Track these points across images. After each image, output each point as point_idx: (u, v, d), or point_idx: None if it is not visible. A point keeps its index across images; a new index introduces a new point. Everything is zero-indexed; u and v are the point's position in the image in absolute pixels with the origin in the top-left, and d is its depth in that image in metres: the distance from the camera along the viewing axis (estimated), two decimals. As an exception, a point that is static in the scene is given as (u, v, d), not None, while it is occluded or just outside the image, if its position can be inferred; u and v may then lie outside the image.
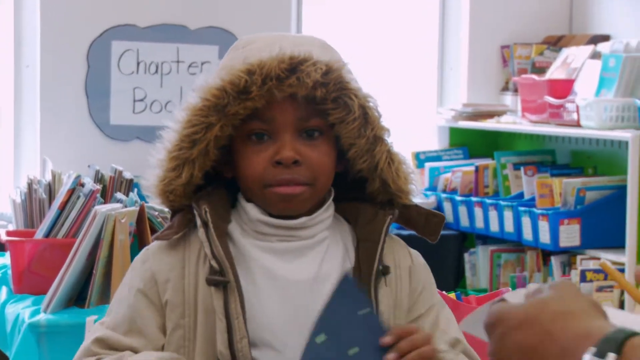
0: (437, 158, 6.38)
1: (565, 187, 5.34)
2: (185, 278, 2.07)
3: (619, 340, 1.22)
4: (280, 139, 2.03)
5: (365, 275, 2.08)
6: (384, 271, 2.09)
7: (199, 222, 2.06)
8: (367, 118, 2.06)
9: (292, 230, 2.08)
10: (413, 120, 6.54)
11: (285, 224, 2.07)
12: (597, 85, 5.41)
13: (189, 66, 6.01)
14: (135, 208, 4.12)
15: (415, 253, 2.22)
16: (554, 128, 5.57)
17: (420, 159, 6.34)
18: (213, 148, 2.03)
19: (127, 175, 4.59)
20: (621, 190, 5.11)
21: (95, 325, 2.13)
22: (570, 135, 5.62)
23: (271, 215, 2.07)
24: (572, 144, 5.89)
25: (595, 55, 5.63)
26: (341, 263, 2.10)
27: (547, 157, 5.95)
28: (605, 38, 5.93)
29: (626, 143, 4.96)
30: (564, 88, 5.58)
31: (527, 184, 5.68)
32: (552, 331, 1.28)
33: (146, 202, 4.43)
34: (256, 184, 2.05)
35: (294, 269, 2.07)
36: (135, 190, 4.61)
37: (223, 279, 2.02)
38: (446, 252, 6.00)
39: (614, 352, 1.20)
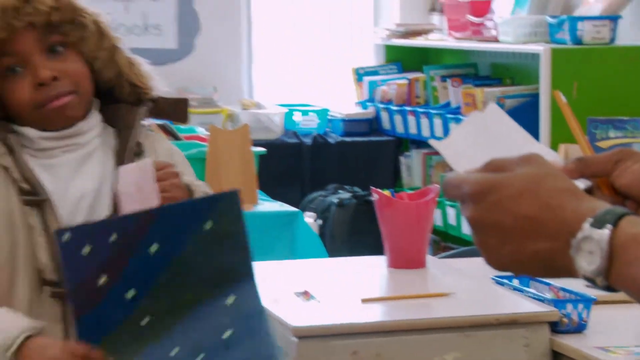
0: (375, 73, 6.33)
1: (486, 96, 5.28)
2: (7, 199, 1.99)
3: (616, 215, 1.15)
4: (32, 64, 1.97)
5: (120, 155, 2.06)
6: (137, 151, 2.07)
7: (2, 149, 2.00)
8: (102, 32, 2.03)
9: (72, 138, 2.04)
10: (352, 39, 6.54)
11: (64, 133, 2.02)
12: (513, 5, 5.41)
13: None
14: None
15: (170, 142, 2.24)
16: (475, 44, 5.60)
17: (360, 74, 6.34)
18: None
19: None
20: (535, 97, 5.08)
21: None
22: (490, 49, 5.57)
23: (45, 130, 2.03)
24: (491, 57, 5.83)
25: None
26: (113, 167, 2.06)
27: (470, 70, 5.91)
28: None
29: (538, 55, 4.91)
30: (483, 8, 5.57)
31: (454, 94, 5.64)
32: (552, 204, 1.19)
33: None
34: (28, 108, 2.00)
35: (82, 182, 2.03)
36: None
37: (41, 198, 1.98)
38: (384, 155, 6.09)
39: (611, 224, 1.14)
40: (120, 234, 1.72)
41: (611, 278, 1.15)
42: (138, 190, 1.96)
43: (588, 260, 1.15)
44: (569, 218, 1.17)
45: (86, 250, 1.72)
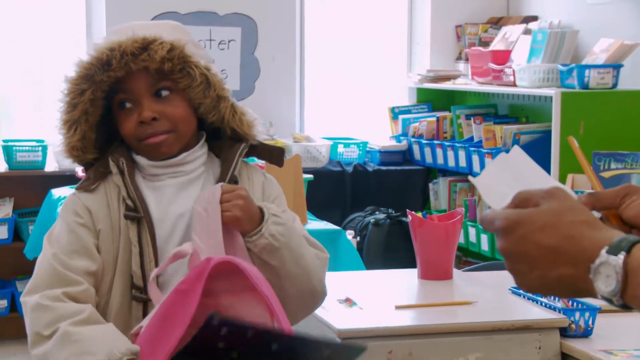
0: (408, 111, 6.31)
1: (504, 132, 5.30)
2: (111, 214, 2.03)
3: (630, 243, 1.14)
4: (140, 104, 2.00)
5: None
6: (234, 181, 2.06)
7: (115, 170, 2.03)
8: (209, 83, 2.01)
9: (176, 167, 2.05)
10: (389, 83, 6.51)
11: (169, 162, 2.04)
12: (529, 54, 5.40)
13: (219, 43, 6.02)
14: None
15: (270, 176, 2.19)
16: (495, 87, 5.55)
17: (395, 112, 6.33)
18: (91, 109, 2.00)
19: None
20: (547, 134, 5.05)
21: (47, 245, 2.04)
22: (508, 92, 5.55)
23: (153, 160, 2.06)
24: (509, 99, 5.85)
25: (527, 32, 5.62)
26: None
27: (491, 110, 5.90)
28: (534, 18, 5.91)
29: (551, 98, 4.91)
30: (503, 57, 5.56)
31: (476, 130, 5.61)
32: (573, 235, 1.18)
33: None
34: (133, 141, 2.03)
35: (182, 203, 2.04)
36: None
37: (137, 214, 2.01)
38: (415, 183, 6.05)
39: (624, 251, 1.13)
40: (254, 337, 1.59)
41: (626, 297, 1.14)
42: (205, 210, 1.95)
43: (605, 283, 1.14)
44: (587, 247, 1.15)
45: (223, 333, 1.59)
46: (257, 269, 1.92)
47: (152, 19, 5.87)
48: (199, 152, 2.08)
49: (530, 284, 1.21)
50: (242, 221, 1.94)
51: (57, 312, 1.91)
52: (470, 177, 1.36)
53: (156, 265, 1.98)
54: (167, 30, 2.05)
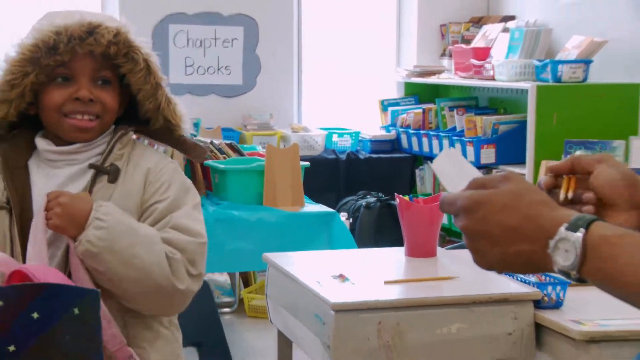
0: (396, 104, 6.31)
1: (484, 122, 5.33)
2: None
3: (587, 221, 1.13)
4: (79, 82, 1.87)
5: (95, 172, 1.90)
6: (112, 170, 1.90)
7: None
8: (149, 69, 1.91)
9: (73, 154, 1.90)
10: (379, 78, 6.50)
11: (67, 149, 1.90)
12: (507, 51, 5.40)
13: (223, 42, 6.05)
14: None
15: (165, 162, 1.97)
16: (476, 81, 5.54)
17: (384, 105, 6.32)
18: (29, 91, 1.86)
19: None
20: (523, 124, 5.06)
21: None
22: (488, 86, 5.54)
23: (57, 145, 1.91)
24: (489, 92, 5.83)
25: (505, 30, 5.63)
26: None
27: (472, 102, 5.88)
28: (512, 18, 5.92)
29: (526, 90, 4.91)
30: (483, 53, 5.57)
31: (458, 120, 5.62)
32: (532, 214, 1.17)
33: (196, 136, 4.74)
34: (56, 113, 1.87)
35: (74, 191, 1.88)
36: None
37: (8, 205, 1.86)
38: (403, 169, 6.07)
39: (583, 228, 1.12)
40: (5, 301, 1.59)
41: (584, 271, 1.13)
42: (40, 214, 1.80)
43: (564, 258, 1.13)
44: (545, 224, 1.14)
45: None
46: (83, 272, 1.78)
47: (162, 20, 5.92)
48: (98, 143, 1.92)
49: (490, 260, 1.19)
50: (63, 228, 1.78)
51: None
52: (429, 162, 1.36)
53: (24, 261, 1.79)
54: (110, 18, 1.94)
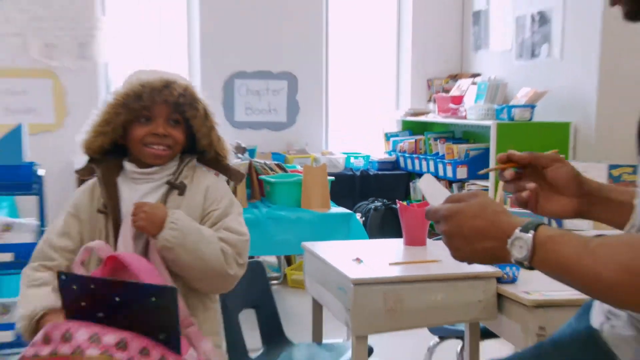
0: (396, 135, 6.27)
1: (459, 149, 5.36)
2: (91, 209, 1.87)
3: (535, 224, 1.12)
4: (156, 122, 1.84)
5: (170, 188, 1.87)
6: (181, 186, 1.87)
7: (97, 177, 1.88)
8: (207, 116, 1.87)
9: (149, 175, 1.87)
10: (384, 116, 6.50)
11: (147, 170, 1.87)
12: (475, 98, 5.40)
13: (273, 91, 6.02)
14: (247, 161, 4.28)
15: (218, 182, 1.93)
16: (453, 120, 5.53)
17: (388, 136, 6.30)
18: (119, 127, 1.84)
19: (243, 145, 4.72)
20: (486, 150, 5.08)
21: (48, 228, 1.92)
22: (461, 123, 5.50)
23: (140, 168, 1.88)
24: (462, 127, 5.84)
25: (474, 83, 5.64)
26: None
27: (450, 134, 5.92)
28: (478, 74, 5.94)
29: (489, 127, 4.89)
30: (458, 100, 5.59)
31: (440, 148, 5.64)
32: (495, 220, 1.15)
33: (253, 158, 4.74)
34: (139, 143, 1.84)
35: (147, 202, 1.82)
36: (247, 152, 4.70)
37: (105, 210, 1.85)
38: (401, 182, 6.00)
39: (533, 230, 1.11)
40: (98, 287, 1.55)
41: (533, 262, 1.12)
42: (128, 217, 1.79)
43: (519, 252, 1.12)
44: (505, 228, 1.14)
45: (76, 288, 1.56)
46: (159, 261, 1.75)
47: (230, 76, 5.89)
48: (168, 167, 1.88)
49: (464, 255, 1.18)
50: (145, 228, 1.76)
51: (28, 277, 1.82)
52: (415, 182, 1.35)
53: (114, 244, 1.79)
54: (181, 77, 1.90)
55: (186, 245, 1.76)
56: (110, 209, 1.83)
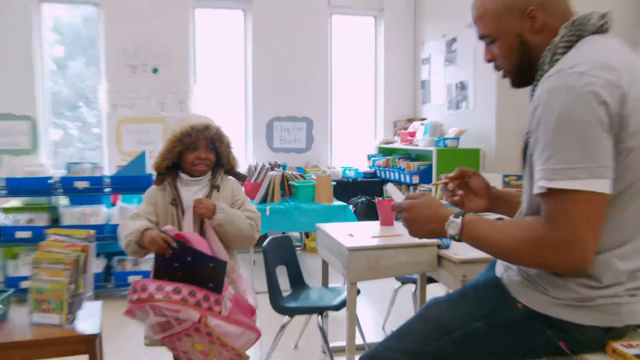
0: (375, 156, 6.10)
1: (414, 165, 5.17)
2: (164, 201, 1.80)
3: (462, 213, 1.08)
4: (200, 150, 1.80)
5: (210, 189, 1.82)
6: (217, 187, 1.83)
7: (166, 182, 1.81)
8: (228, 146, 1.83)
9: (197, 181, 1.82)
10: (367, 144, 6.34)
11: (195, 179, 1.82)
12: (423, 133, 5.34)
13: (297, 129, 5.88)
14: (281, 172, 4.13)
15: (237, 184, 1.86)
16: (410, 146, 5.39)
17: (369, 156, 6.15)
18: (176, 154, 1.79)
19: (279, 162, 4.67)
20: (430, 166, 4.96)
21: (134, 209, 1.82)
22: (415, 148, 5.39)
23: (191, 177, 1.83)
24: (416, 151, 5.64)
25: (422, 124, 5.54)
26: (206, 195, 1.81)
27: (408, 155, 5.66)
28: (425, 119, 5.77)
29: (432, 151, 4.74)
30: (413, 134, 5.47)
31: (402, 164, 5.46)
32: (437, 211, 1.11)
33: (285, 170, 4.58)
34: (189, 164, 1.80)
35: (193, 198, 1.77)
36: (281, 167, 4.59)
37: (177, 203, 1.79)
38: (377, 186, 5.82)
39: (461, 216, 1.07)
40: (173, 250, 1.54)
41: (462, 237, 1.11)
42: (190, 209, 1.75)
43: (452, 230, 1.12)
44: (443, 215, 1.12)
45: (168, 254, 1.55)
46: (213, 233, 1.72)
47: (270, 119, 5.75)
48: (206, 176, 1.84)
49: (417, 233, 1.16)
50: (205, 214, 1.73)
51: (126, 220, 1.78)
52: (385, 186, 1.36)
53: (179, 226, 1.75)
54: (213, 121, 1.82)
55: (232, 222, 1.75)
56: (178, 201, 1.79)
